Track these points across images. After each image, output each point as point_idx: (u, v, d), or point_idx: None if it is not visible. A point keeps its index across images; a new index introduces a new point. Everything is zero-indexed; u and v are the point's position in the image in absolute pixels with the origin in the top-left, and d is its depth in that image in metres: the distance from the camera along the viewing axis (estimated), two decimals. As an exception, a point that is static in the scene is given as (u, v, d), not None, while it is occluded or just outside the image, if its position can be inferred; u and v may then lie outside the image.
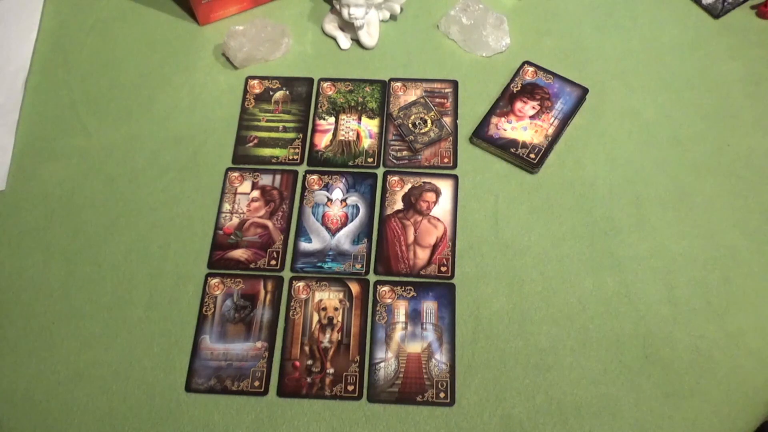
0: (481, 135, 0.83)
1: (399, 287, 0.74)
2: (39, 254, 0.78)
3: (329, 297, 0.74)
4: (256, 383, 0.69)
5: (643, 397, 0.68)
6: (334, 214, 0.79)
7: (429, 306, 0.73)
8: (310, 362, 0.70)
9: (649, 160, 0.82)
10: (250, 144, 0.85)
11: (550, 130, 0.83)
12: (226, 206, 0.80)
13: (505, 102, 0.85)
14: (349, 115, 0.86)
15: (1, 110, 0.88)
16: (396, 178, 0.81)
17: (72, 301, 0.75)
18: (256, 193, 0.81)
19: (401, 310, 0.73)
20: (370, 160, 0.83)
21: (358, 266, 0.76)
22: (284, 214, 0.79)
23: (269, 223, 0.79)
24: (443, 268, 0.75)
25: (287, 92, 0.89)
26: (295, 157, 0.83)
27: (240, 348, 0.71)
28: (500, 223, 0.78)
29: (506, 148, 0.82)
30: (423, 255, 0.76)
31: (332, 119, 0.86)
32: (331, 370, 0.70)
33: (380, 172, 0.82)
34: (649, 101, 0.86)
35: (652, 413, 0.67)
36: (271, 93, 0.89)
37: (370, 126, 0.85)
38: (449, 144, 0.83)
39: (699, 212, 0.78)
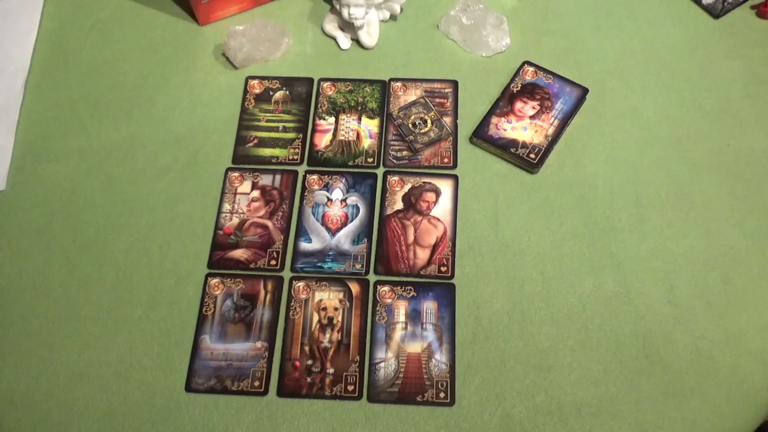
0: (481, 135, 0.83)
1: (399, 287, 0.74)
2: (39, 254, 0.78)
3: (329, 297, 0.74)
4: (256, 383, 0.69)
5: (643, 397, 0.68)
6: (334, 214, 0.79)
7: (429, 306, 0.73)
8: (310, 362, 0.70)
9: (649, 160, 0.82)
10: (250, 144, 0.85)
11: (550, 130, 0.83)
12: (226, 206, 0.80)
13: (505, 102, 0.85)
14: (349, 115, 0.86)
15: (1, 110, 0.88)
16: (396, 178, 0.81)
17: (72, 301, 0.75)
18: (256, 193, 0.81)
19: (401, 310, 0.73)
20: (370, 160, 0.83)
21: (358, 266, 0.76)
22: (284, 214, 0.79)
23: (269, 223, 0.79)
24: (443, 268, 0.75)
25: (287, 92, 0.89)
26: (295, 157, 0.83)
27: (240, 348, 0.71)
28: (500, 223, 0.78)
29: (506, 148, 0.82)
30: (423, 255, 0.76)
31: (332, 119, 0.86)
32: (331, 370, 0.70)
33: (380, 172, 0.82)
34: (649, 101, 0.86)
35: (652, 413, 0.67)
36: (271, 93, 0.89)
37: (370, 126, 0.85)
38: (449, 144, 0.83)
39: (699, 212, 0.78)
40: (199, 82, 0.90)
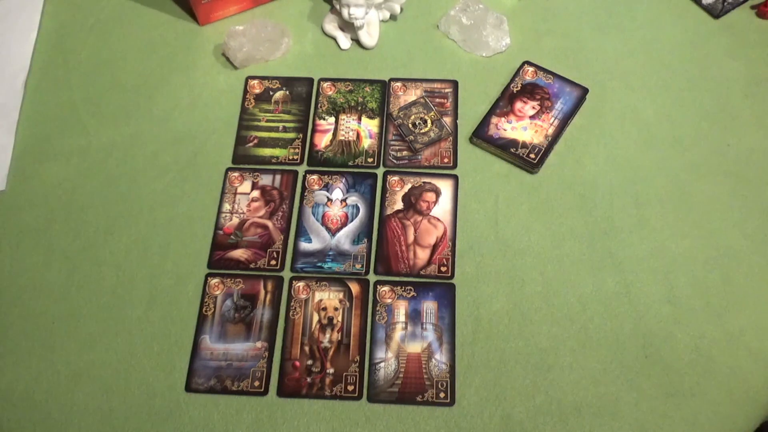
0: (481, 135, 0.83)
1: (399, 287, 0.74)
2: (39, 254, 0.78)
3: (329, 297, 0.74)
4: (256, 383, 0.69)
5: (643, 397, 0.68)
6: (334, 214, 0.79)
7: (429, 306, 0.73)
8: (310, 362, 0.70)
9: (649, 160, 0.82)
10: (250, 144, 0.85)
11: (550, 130, 0.83)
12: (226, 206, 0.80)
13: (505, 102, 0.85)
14: (349, 115, 0.86)
15: (1, 110, 0.88)
16: (396, 178, 0.81)
17: (72, 301, 0.75)
18: (256, 193, 0.81)
19: (401, 310, 0.73)
20: (370, 160, 0.83)
21: (358, 266, 0.76)
22: (284, 214, 0.79)
23: (269, 223, 0.79)
24: (443, 268, 0.75)
25: (287, 92, 0.89)
26: (295, 157, 0.83)
27: (240, 348, 0.71)
28: (500, 223, 0.78)
29: (506, 148, 0.82)
30: (423, 255, 0.76)
31: (332, 119, 0.86)
32: (331, 370, 0.70)
33: (380, 172, 0.82)
34: (649, 101, 0.86)
35: (652, 413, 0.67)
36: (271, 93, 0.89)
37: (370, 126, 0.85)
38: (449, 144, 0.83)
39: (699, 212, 0.78)
40: (199, 82, 0.90)
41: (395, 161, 0.83)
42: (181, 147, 0.85)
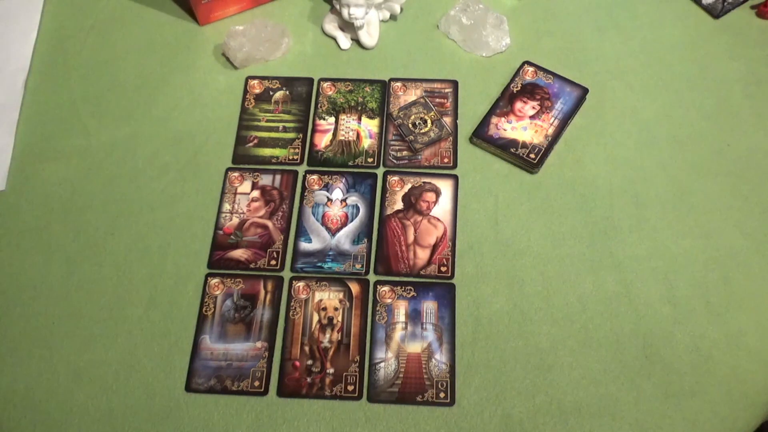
0: (481, 135, 0.83)
1: (399, 287, 0.74)
2: (39, 254, 0.78)
3: (329, 297, 0.74)
4: (256, 383, 0.69)
5: (643, 397, 0.68)
6: (334, 214, 0.79)
7: (429, 306, 0.73)
8: (310, 362, 0.70)
9: (649, 160, 0.82)
10: (250, 144, 0.85)
11: (550, 130, 0.83)
12: (226, 206, 0.80)
13: (505, 102, 0.85)
14: (349, 115, 0.86)
15: (1, 110, 0.88)
16: (396, 178, 0.81)
17: (72, 301, 0.75)
18: (256, 193, 0.81)
19: (401, 310, 0.73)
20: (370, 160, 0.83)
21: (358, 266, 0.76)
22: (284, 214, 0.79)
23: (269, 223, 0.79)
24: (443, 268, 0.75)
25: (287, 92, 0.89)
26: (295, 157, 0.83)
27: (240, 348, 0.71)
28: (500, 223, 0.78)
29: (506, 148, 0.82)
30: (423, 255, 0.76)
31: (332, 119, 0.86)
32: (331, 370, 0.70)
33: (380, 172, 0.82)
34: (649, 101, 0.86)
35: (652, 413, 0.67)
36: (271, 93, 0.89)
37: (370, 126, 0.85)
38: (449, 144, 0.83)
39: (699, 212, 0.78)
40: (199, 82, 0.90)
41: (395, 161, 0.83)
42: (181, 147, 0.85)
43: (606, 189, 0.80)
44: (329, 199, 0.80)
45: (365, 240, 0.77)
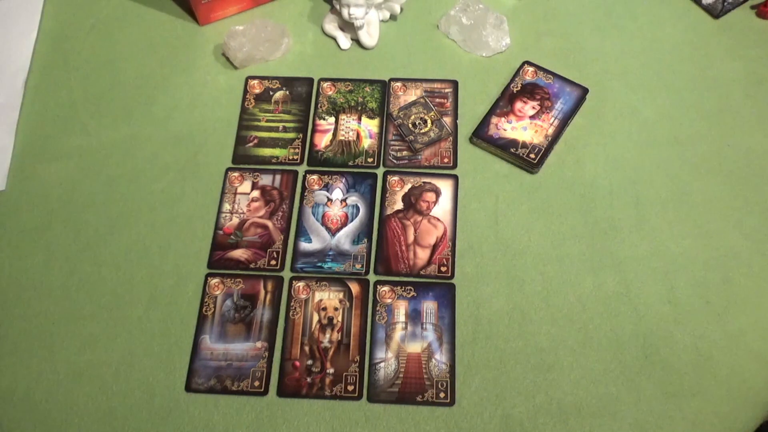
0: (481, 135, 0.83)
1: (399, 287, 0.74)
2: (39, 254, 0.78)
3: (329, 297, 0.74)
4: (256, 383, 0.69)
5: (643, 397, 0.68)
6: (334, 214, 0.79)
7: (429, 306, 0.73)
8: (310, 362, 0.70)
9: (649, 160, 0.82)
10: (250, 144, 0.85)
11: (550, 130, 0.83)
12: (226, 206, 0.80)
13: (505, 102, 0.85)
14: (349, 115, 0.86)
15: (1, 110, 0.88)
16: (396, 178, 0.81)
17: (72, 301, 0.75)
18: (256, 193, 0.81)
19: (401, 310, 0.73)
20: (370, 160, 0.83)
21: (358, 266, 0.76)
22: (284, 214, 0.79)
23: (269, 223, 0.79)
24: (443, 268, 0.75)
25: (287, 92, 0.89)
26: (295, 157, 0.83)
27: (240, 348, 0.71)
28: (500, 223, 0.78)
29: (506, 148, 0.82)
30: (423, 255, 0.76)
31: (332, 119, 0.86)
32: (331, 370, 0.70)
33: (380, 172, 0.82)
34: (649, 101, 0.86)
35: (652, 413, 0.67)
36: (271, 93, 0.89)
37: (370, 126, 0.85)
38: (449, 144, 0.83)
39: (699, 212, 0.78)
40: (199, 82, 0.90)
41: (395, 161, 0.83)
42: (181, 147, 0.85)
43: (606, 189, 0.80)
44: (329, 199, 0.80)
45: (365, 240, 0.77)
